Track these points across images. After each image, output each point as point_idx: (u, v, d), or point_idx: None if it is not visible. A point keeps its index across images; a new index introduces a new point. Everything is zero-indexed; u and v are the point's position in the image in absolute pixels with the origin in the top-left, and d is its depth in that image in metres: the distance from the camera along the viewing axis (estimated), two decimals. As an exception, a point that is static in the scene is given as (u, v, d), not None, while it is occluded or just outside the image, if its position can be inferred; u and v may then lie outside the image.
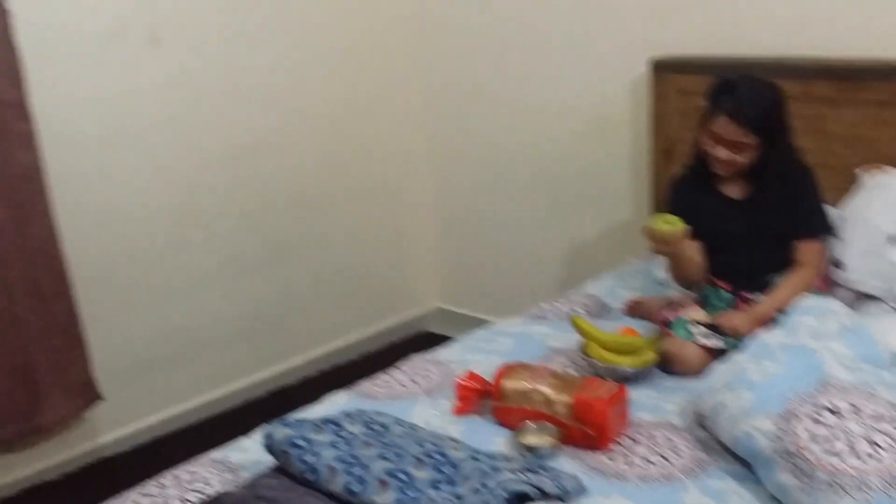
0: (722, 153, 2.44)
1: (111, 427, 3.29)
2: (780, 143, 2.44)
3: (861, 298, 2.57)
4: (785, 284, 2.47)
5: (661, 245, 2.44)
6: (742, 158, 2.43)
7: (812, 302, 2.13)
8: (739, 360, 2.03)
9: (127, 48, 3.10)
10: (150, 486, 1.98)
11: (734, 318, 2.41)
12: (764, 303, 2.44)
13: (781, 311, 2.34)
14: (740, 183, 2.54)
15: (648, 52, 3.17)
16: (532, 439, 2.02)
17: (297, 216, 3.68)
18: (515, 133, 3.73)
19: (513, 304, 3.66)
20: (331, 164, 3.75)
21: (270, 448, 1.90)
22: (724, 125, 2.40)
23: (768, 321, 2.35)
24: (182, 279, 3.39)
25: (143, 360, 3.33)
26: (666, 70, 3.11)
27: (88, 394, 3.10)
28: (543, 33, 3.51)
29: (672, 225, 2.41)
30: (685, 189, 2.62)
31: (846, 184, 2.72)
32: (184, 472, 2.04)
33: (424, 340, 4.09)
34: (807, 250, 2.50)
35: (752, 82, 2.44)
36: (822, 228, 2.54)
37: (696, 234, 2.59)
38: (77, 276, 3.05)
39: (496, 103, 3.75)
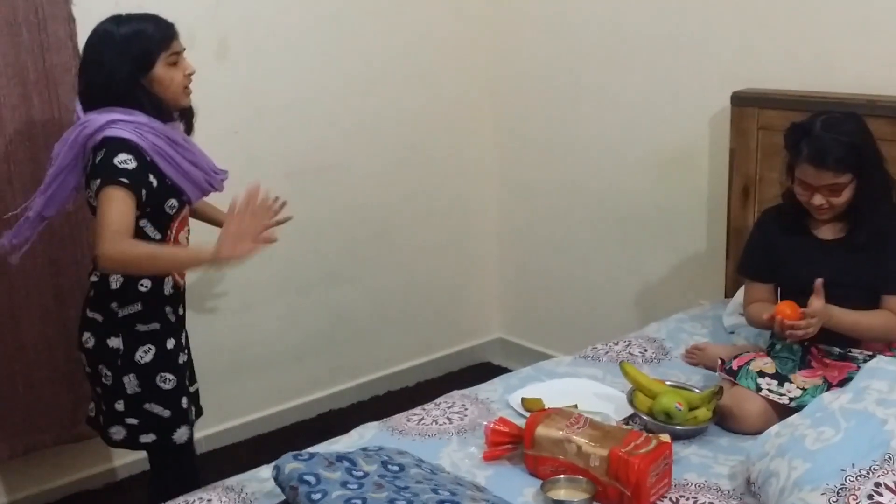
0: (818, 200, 2.26)
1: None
2: (874, 175, 2.26)
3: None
4: (871, 314, 2.25)
5: None
6: (841, 199, 2.25)
7: (884, 364, 1.93)
8: (796, 424, 1.85)
9: (194, 59, 3.07)
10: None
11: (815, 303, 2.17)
12: (841, 312, 2.21)
13: (849, 332, 2.23)
14: (834, 222, 2.34)
15: (731, 87, 2.98)
16: (562, 493, 1.88)
17: (358, 238, 3.60)
18: (589, 166, 3.58)
19: (577, 339, 3.49)
20: (396, 187, 3.67)
21: (278, 481, 1.80)
22: (810, 172, 2.23)
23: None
24: (236, 297, 3.33)
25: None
26: (748, 104, 2.93)
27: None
28: (623, 66, 3.37)
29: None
30: (773, 226, 2.43)
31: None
32: (196, 498, 1.96)
33: (484, 371, 3.95)
34: None
35: (827, 118, 2.26)
36: None
37: (777, 277, 2.40)
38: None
39: (572, 135, 3.61)
